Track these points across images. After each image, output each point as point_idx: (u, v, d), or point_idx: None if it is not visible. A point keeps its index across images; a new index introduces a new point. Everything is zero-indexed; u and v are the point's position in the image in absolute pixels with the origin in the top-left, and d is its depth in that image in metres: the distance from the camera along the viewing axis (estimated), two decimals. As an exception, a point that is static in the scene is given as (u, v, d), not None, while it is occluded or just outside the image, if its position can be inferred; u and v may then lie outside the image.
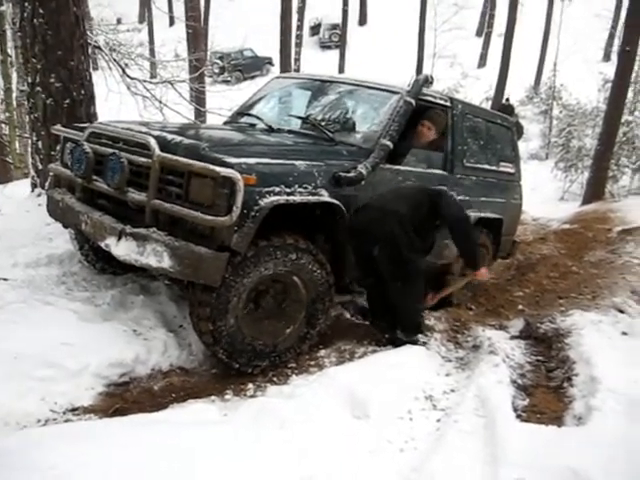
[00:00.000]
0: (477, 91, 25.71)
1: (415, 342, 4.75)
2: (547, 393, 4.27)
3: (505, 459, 3.07)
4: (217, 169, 3.68)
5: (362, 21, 44.50)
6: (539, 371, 4.68)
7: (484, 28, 38.86)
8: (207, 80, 20.73)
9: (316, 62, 32.26)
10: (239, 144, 4.52)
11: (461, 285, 5.83)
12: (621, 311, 5.67)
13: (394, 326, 4.86)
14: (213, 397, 3.86)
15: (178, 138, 4.16)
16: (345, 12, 36.97)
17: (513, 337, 5.30)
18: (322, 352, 4.62)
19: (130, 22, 21.00)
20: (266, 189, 3.93)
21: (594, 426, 3.51)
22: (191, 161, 3.80)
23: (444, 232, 4.89)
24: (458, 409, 3.70)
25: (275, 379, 4.23)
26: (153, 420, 3.29)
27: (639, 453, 3.14)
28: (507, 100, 21.45)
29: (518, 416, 3.79)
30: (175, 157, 3.88)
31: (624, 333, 5.11)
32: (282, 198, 3.99)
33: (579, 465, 2.95)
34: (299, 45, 30.43)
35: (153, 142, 3.96)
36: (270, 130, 5.24)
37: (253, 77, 33.74)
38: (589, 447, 3.18)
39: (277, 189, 3.99)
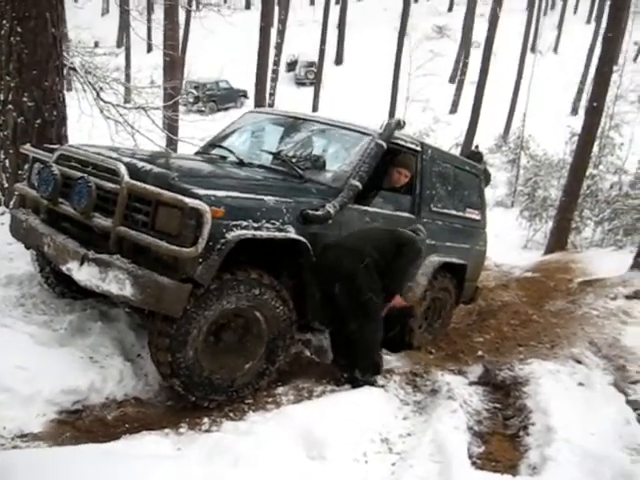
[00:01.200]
0: (448, 136, 26.13)
1: (373, 383, 4.74)
2: (503, 441, 4.28)
3: (458, 506, 3.06)
4: (185, 200, 3.67)
5: (338, 61, 45.12)
6: (496, 418, 4.69)
7: (457, 75, 39.60)
8: (181, 109, 20.78)
9: (291, 98, 32.50)
10: (209, 176, 4.53)
11: None
12: (579, 362, 5.72)
13: (353, 366, 4.85)
14: (167, 430, 3.79)
15: (148, 166, 4.15)
16: (322, 51, 37.52)
17: (472, 383, 5.29)
18: (280, 389, 4.58)
19: (108, 46, 20.96)
20: (233, 222, 3.93)
21: (548, 476, 3.54)
22: (160, 190, 3.79)
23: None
24: (414, 454, 3.69)
25: (231, 414, 4.17)
26: (104, 451, 3.23)
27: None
28: (476, 147, 21.78)
29: (473, 463, 3.81)
30: (144, 185, 3.86)
31: (581, 384, 5.15)
32: (249, 232, 3.99)
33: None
34: (275, 80, 30.75)
35: (123, 168, 3.94)
36: (241, 164, 5.24)
37: (227, 109, 33.87)
38: (542, 498, 3.19)
39: (244, 223, 3.99)
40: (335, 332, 5.03)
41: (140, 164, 4.17)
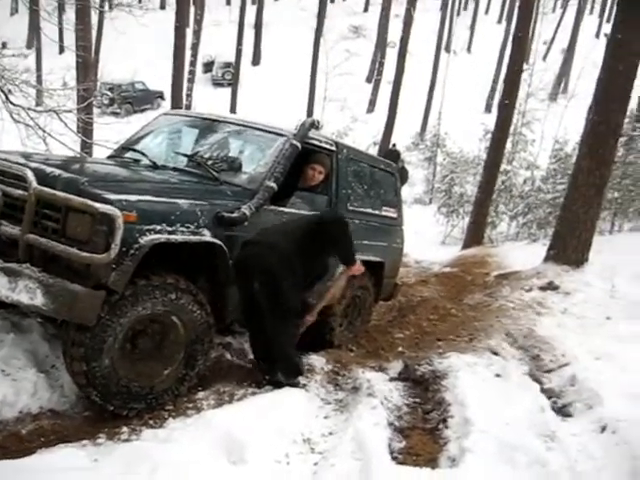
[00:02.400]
0: (365, 135, 26.37)
1: (296, 385, 4.75)
2: (423, 435, 4.34)
3: (379, 502, 3.09)
4: (96, 205, 3.61)
5: (255, 61, 45.01)
6: (416, 413, 4.76)
7: (374, 75, 40.06)
8: (96, 111, 20.29)
9: (208, 99, 32.22)
10: (120, 180, 4.44)
11: (341, 284, 5.68)
12: (495, 353, 5.87)
13: (275, 369, 4.85)
14: (85, 441, 3.68)
15: (57, 171, 4.05)
16: (239, 51, 37.38)
17: (392, 379, 5.35)
18: (201, 394, 4.52)
19: (17, 47, 20.30)
20: (147, 227, 3.88)
21: (466, 467, 3.61)
22: (69, 196, 3.72)
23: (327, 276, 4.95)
24: (335, 452, 3.71)
25: (151, 422, 4.09)
26: (18, 467, 3.13)
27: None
28: (394, 146, 21.83)
29: (394, 458, 3.84)
30: (52, 191, 3.78)
31: (497, 375, 5.29)
32: (163, 237, 3.95)
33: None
34: (191, 81, 30.29)
35: (30, 174, 3.84)
36: (154, 167, 5.15)
37: (143, 110, 33.36)
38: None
39: (158, 227, 3.95)
40: (254, 334, 4.99)
41: (49, 169, 4.06)
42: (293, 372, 4.82)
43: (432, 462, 3.86)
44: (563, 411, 4.87)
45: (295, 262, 4.62)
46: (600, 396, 4.77)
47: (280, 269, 4.56)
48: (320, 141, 5.69)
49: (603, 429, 4.30)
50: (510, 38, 17.85)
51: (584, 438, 4.23)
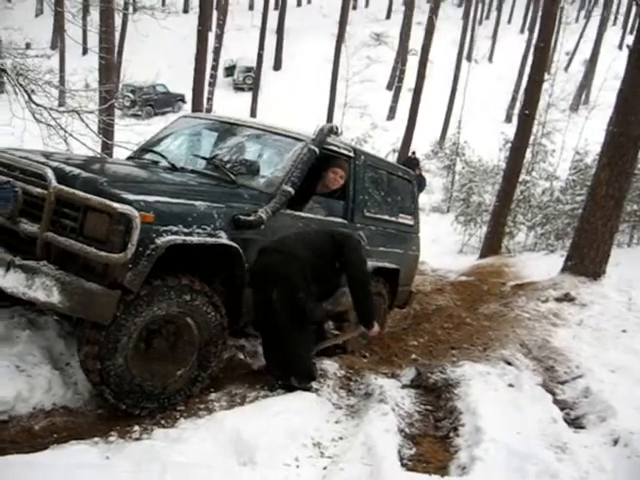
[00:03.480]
0: (385, 142, 26.40)
1: (309, 389, 4.76)
2: (434, 443, 4.34)
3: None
4: (114, 205, 3.65)
5: (277, 66, 45.09)
6: (427, 420, 4.76)
7: (394, 82, 40.04)
8: (117, 113, 20.46)
9: (229, 103, 32.40)
10: (139, 181, 4.47)
11: (355, 334, 5.89)
12: (509, 363, 5.85)
13: (288, 373, 4.85)
14: (96, 439, 3.70)
15: (77, 171, 4.09)
16: (260, 56, 37.44)
17: (404, 386, 5.36)
18: (213, 395, 4.54)
19: (41, 48, 20.49)
20: (163, 228, 3.91)
21: (476, 476, 3.61)
22: (88, 195, 3.75)
23: (343, 279, 4.95)
24: (345, 457, 3.72)
25: (163, 422, 4.11)
26: (29, 462, 3.15)
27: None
28: (413, 153, 22.03)
29: (404, 465, 3.85)
30: (72, 190, 3.81)
31: (510, 385, 5.28)
32: (179, 238, 3.97)
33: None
34: (212, 85, 30.59)
35: (50, 173, 3.88)
36: (173, 169, 5.20)
37: (164, 113, 33.53)
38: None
39: (175, 228, 3.97)
40: (268, 341, 5.00)
41: (68, 169, 4.10)
42: (306, 377, 4.82)
43: (442, 470, 3.86)
44: (575, 423, 4.86)
45: (311, 274, 4.65)
46: (613, 408, 4.76)
47: (300, 278, 4.58)
48: (338, 147, 5.71)
49: (615, 442, 4.29)
50: (532, 48, 17.76)
51: (596, 450, 4.22)
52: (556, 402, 5.20)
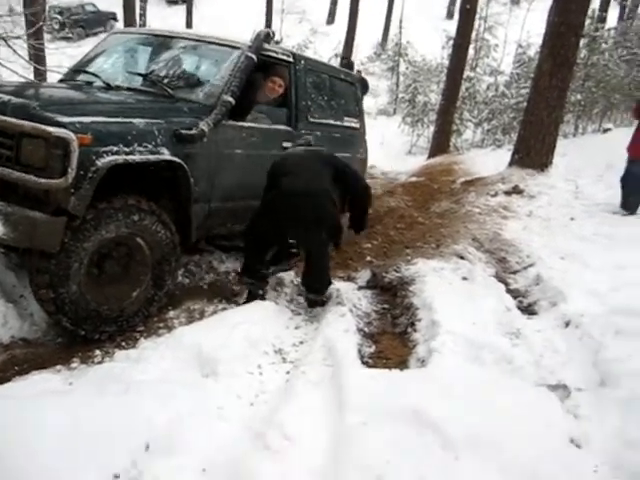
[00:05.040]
0: (327, 48, 25.92)
1: (329, 298, 4.83)
2: (393, 339, 4.45)
3: (350, 405, 3.15)
4: (49, 129, 3.53)
5: (210, -25, 43.47)
6: (385, 319, 4.87)
7: (332, -15, 39.01)
8: (46, 37, 19.62)
9: (162, 18, 31.21)
10: (73, 102, 4.32)
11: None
12: (462, 258, 5.95)
13: (265, 282, 4.92)
14: (59, 367, 3.72)
15: (6, 97, 3.91)
16: (191, -34, 35.97)
17: (360, 288, 5.44)
18: (171, 313, 4.58)
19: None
20: (103, 149, 3.79)
21: (434, 367, 3.69)
22: (21, 121, 3.61)
23: None
24: (306, 360, 3.76)
25: (123, 344, 4.14)
26: (-9, 395, 3.13)
27: (475, 388, 3.32)
28: (346, 59, 21.75)
29: (365, 363, 3.93)
30: (3, 117, 3.67)
31: (464, 278, 5.38)
32: (120, 158, 3.87)
33: (419, 404, 3.08)
34: (144, 0, 29.37)
35: (-23, 102, 3.72)
36: (108, 88, 5.01)
37: (96, 33, 32.08)
38: (428, 386, 3.33)
39: (115, 148, 3.86)
40: (258, 253, 4.89)
41: (-2, 96, 3.93)
42: (327, 284, 4.86)
43: (402, 364, 3.95)
44: (528, 309, 5.01)
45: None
46: (564, 293, 4.89)
47: (332, 210, 4.70)
48: (277, 53, 5.56)
49: (567, 324, 4.43)
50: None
51: (549, 334, 4.36)
52: (509, 291, 5.33)
